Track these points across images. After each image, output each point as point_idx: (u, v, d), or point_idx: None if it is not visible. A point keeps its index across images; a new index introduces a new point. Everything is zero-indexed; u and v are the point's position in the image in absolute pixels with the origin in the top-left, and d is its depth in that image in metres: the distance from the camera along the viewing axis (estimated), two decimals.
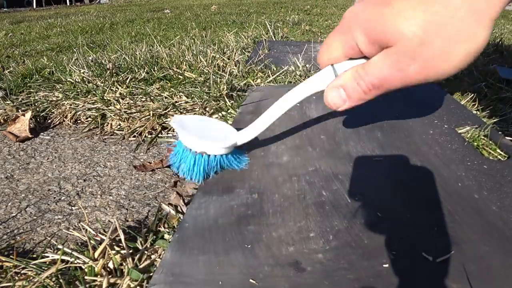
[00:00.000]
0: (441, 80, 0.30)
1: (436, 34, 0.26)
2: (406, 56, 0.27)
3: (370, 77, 0.31)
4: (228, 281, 0.30)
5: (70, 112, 0.79)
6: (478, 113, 0.71)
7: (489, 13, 0.25)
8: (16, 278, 0.35)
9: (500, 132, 0.56)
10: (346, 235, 0.35)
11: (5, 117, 0.79)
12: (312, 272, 0.31)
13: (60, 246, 0.39)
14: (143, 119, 0.73)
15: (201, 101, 0.76)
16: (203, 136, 0.42)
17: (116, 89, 0.87)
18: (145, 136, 0.70)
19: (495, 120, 0.64)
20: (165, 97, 0.81)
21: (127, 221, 0.46)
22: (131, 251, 0.38)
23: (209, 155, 0.43)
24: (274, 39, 1.56)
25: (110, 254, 0.37)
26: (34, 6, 5.53)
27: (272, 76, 0.90)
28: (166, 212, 0.45)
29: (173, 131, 0.71)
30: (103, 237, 0.40)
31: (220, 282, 0.30)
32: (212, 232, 0.36)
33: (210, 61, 1.04)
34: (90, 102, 0.81)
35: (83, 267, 0.36)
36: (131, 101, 0.80)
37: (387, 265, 0.31)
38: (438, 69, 0.27)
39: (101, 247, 0.37)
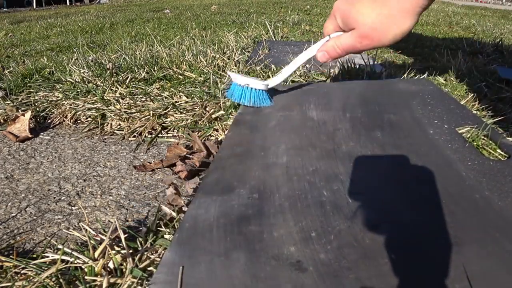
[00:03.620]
0: (380, 47, 0.52)
1: (380, 24, 0.47)
2: (362, 36, 0.49)
3: (342, 45, 0.53)
4: (229, 281, 0.30)
5: (70, 112, 0.79)
6: (478, 113, 0.71)
7: (413, 10, 0.44)
8: (16, 278, 0.35)
9: (500, 132, 0.56)
10: (347, 235, 0.35)
11: (5, 117, 0.78)
12: (314, 272, 0.31)
13: (60, 246, 0.39)
14: (143, 119, 0.73)
15: (201, 101, 0.76)
16: (248, 77, 0.65)
17: (116, 89, 0.87)
18: (145, 136, 0.70)
19: (495, 120, 0.64)
20: (165, 97, 0.81)
21: (127, 221, 0.46)
22: (131, 251, 0.38)
23: (251, 88, 0.64)
24: (274, 39, 1.56)
25: (110, 254, 0.37)
26: (34, 6, 5.53)
27: (272, 76, 0.90)
28: (167, 213, 0.45)
29: (173, 131, 0.72)
30: (103, 237, 0.40)
31: (221, 282, 0.30)
32: (212, 232, 0.36)
33: (210, 61, 1.04)
34: (90, 102, 0.81)
35: (83, 267, 0.36)
36: (131, 101, 0.80)
37: (388, 265, 0.31)
38: (379, 43, 0.49)
39: (101, 247, 0.37)
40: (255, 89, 0.64)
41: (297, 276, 0.30)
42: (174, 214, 0.44)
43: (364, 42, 0.49)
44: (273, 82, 0.65)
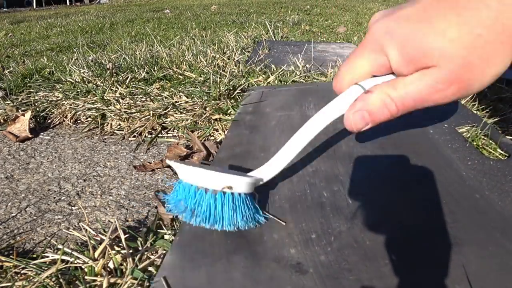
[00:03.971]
0: (465, 97, 0.30)
1: (478, 56, 0.26)
2: (448, 78, 0.27)
3: (404, 97, 0.29)
4: (230, 284, 0.30)
5: (70, 112, 0.79)
6: (478, 112, 0.71)
7: None
8: (16, 278, 0.35)
9: (500, 132, 0.56)
10: (348, 236, 0.35)
11: (5, 117, 0.78)
12: (315, 273, 0.31)
13: (60, 246, 0.39)
14: (143, 119, 0.73)
15: (201, 101, 0.76)
16: (221, 170, 0.35)
17: (116, 89, 0.87)
18: (145, 136, 0.70)
19: (495, 120, 0.64)
20: (165, 97, 0.81)
21: (127, 221, 0.46)
22: (131, 251, 0.38)
23: (232, 193, 0.34)
24: (274, 39, 1.56)
25: (110, 254, 0.37)
26: (34, 6, 5.53)
27: (272, 76, 0.90)
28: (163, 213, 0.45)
29: (173, 131, 0.71)
30: (103, 237, 0.40)
31: (222, 285, 0.30)
32: (213, 235, 0.36)
33: (210, 61, 1.04)
34: (90, 102, 0.81)
35: (83, 267, 0.36)
36: (131, 101, 0.80)
37: (389, 266, 0.31)
38: (472, 88, 0.28)
39: (101, 247, 0.37)
40: (238, 194, 0.35)
41: (297, 278, 0.30)
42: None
43: (450, 90, 0.28)
44: (268, 172, 0.38)
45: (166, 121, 0.72)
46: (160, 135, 0.70)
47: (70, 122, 0.78)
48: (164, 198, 0.40)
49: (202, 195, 0.34)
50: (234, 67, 0.98)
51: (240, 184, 0.34)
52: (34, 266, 0.36)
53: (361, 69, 0.32)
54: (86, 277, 0.34)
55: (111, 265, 0.36)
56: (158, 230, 0.42)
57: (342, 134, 0.55)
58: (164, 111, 0.74)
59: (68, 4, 6.00)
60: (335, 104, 0.34)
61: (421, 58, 0.27)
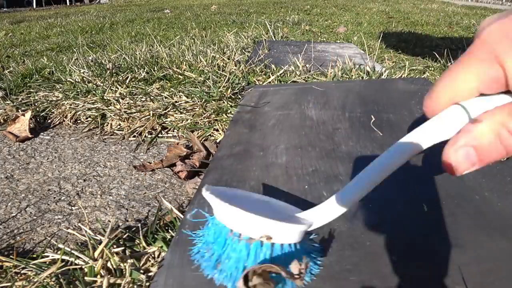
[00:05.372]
0: None
1: None
2: None
3: None
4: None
5: (70, 112, 0.79)
6: None
7: None
8: (16, 278, 0.35)
9: None
10: (348, 236, 0.35)
11: (5, 117, 0.78)
12: (315, 274, 0.31)
13: (61, 246, 0.39)
14: (143, 119, 0.73)
15: (201, 101, 0.76)
16: (265, 213, 0.26)
17: (116, 89, 0.87)
18: (145, 136, 0.70)
19: None
20: (165, 97, 0.81)
21: (127, 221, 0.46)
22: (130, 251, 0.38)
23: (272, 244, 0.26)
24: (274, 39, 1.56)
25: (109, 254, 0.37)
26: (34, 6, 5.53)
27: (273, 76, 0.90)
28: (168, 207, 0.45)
29: (173, 131, 0.71)
30: (102, 237, 0.40)
31: (221, 285, 0.30)
32: None
33: (210, 61, 1.04)
34: (90, 102, 0.81)
35: (83, 267, 0.36)
36: (131, 101, 0.80)
37: (389, 266, 0.31)
38: None
39: (100, 247, 0.37)
40: (281, 245, 0.27)
41: None
42: (175, 210, 0.44)
43: None
44: (323, 216, 0.28)
45: (166, 121, 0.72)
46: (160, 135, 0.70)
47: (70, 122, 0.78)
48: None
49: (233, 243, 0.26)
50: (234, 67, 0.98)
51: (284, 232, 0.26)
52: (34, 266, 0.36)
53: (464, 85, 0.23)
54: (86, 278, 0.35)
55: (110, 265, 0.36)
56: (158, 230, 0.42)
57: (342, 133, 0.55)
58: (164, 111, 0.74)
59: (68, 4, 6.00)
60: (427, 129, 0.24)
61: None
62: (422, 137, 0.25)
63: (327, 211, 0.28)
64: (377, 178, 0.26)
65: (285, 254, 0.26)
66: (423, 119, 0.25)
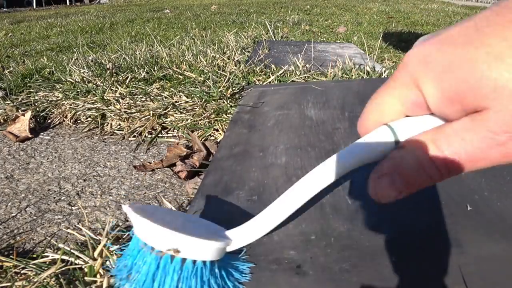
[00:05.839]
0: None
1: None
2: (509, 125, 0.17)
3: (447, 158, 0.21)
4: None
5: (70, 112, 0.79)
6: None
7: None
8: (16, 278, 0.35)
9: None
10: (348, 237, 0.35)
11: (5, 117, 0.78)
12: (314, 275, 0.31)
13: (61, 246, 0.39)
14: (143, 119, 0.73)
15: (201, 101, 0.76)
16: (179, 227, 0.26)
17: (116, 89, 0.87)
18: (145, 136, 0.70)
19: None
20: (165, 97, 0.81)
21: (127, 221, 0.46)
22: None
23: (183, 259, 0.26)
24: (274, 39, 1.56)
25: (108, 253, 0.37)
26: (34, 6, 5.53)
27: (273, 76, 0.90)
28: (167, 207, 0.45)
29: (173, 131, 0.71)
30: (102, 237, 0.40)
31: None
32: None
33: (210, 61, 1.04)
34: (90, 102, 0.81)
35: (83, 267, 0.36)
36: (131, 101, 0.80)
37: (388, 267, 0.31)
38: None
39: (100, 247, 0.37)
40: (193, 261, 0.26)
41: (297, 280, 0.30)
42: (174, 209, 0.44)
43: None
44: (241, 238, 0.29)
45: (166, 121, 0.72)
46: (160, 135, 0.70)
47: (70, 122, 0.78)
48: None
49: (144, 256, 0.26)
50: (234, 67, 0.98)
51: (194, 247, 0.25)
52: (34, 266, 0.36)
53: (390, 109, 0.23)
54: (86, 278, 0.35)
55: (110, 264, 0.36)
56: None
57: (341, 133, 0.55)
58: (164, 111, 0.74)
59: (68, 4, 6.00)
60: (350, 150, 0.25)
61: (470, 95, 0.18)
62: (345, 159, 0.25)
63: (248, 232, 0.28)
64: (301, 199, 0.26)
65: (196, 270, 0.26)
66: None
